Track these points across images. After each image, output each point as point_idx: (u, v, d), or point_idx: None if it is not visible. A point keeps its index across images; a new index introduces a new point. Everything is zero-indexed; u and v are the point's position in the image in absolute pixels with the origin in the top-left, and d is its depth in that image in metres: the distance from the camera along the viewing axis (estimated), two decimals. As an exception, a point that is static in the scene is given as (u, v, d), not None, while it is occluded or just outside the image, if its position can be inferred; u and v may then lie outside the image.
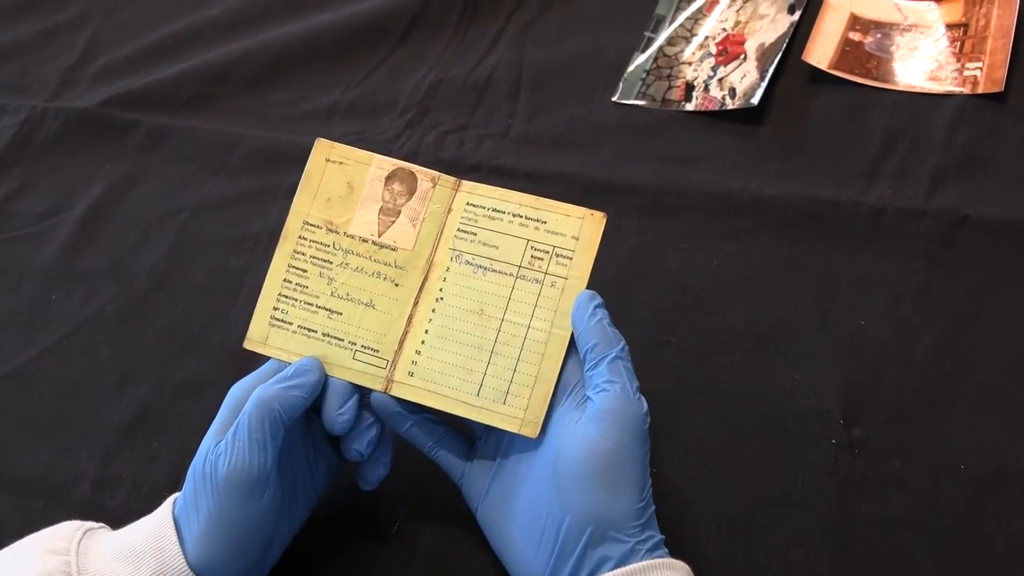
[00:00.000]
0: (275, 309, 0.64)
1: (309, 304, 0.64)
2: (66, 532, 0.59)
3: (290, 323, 0.63)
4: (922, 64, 0.85)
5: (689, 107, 0.87)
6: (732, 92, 0.86)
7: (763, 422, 0.68)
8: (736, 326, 0.73)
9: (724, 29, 0.92)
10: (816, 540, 0.62)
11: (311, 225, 0.64)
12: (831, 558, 0.62)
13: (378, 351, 0.63)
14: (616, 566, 0.54)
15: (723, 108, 0.85)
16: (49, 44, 1.09)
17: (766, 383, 0.70)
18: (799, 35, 0.89)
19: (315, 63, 0.99)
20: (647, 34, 0.94)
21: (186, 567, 0.57)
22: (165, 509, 0.60)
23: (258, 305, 0.64)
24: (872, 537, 0.62)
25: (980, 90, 0.82)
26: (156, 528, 0.59)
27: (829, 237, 0.76)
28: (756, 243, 0.77)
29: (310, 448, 0.64)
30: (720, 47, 0.90)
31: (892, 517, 0.63)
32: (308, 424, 0.64)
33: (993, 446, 0.65)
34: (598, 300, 0.60)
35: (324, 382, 0.62)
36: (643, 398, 0.57)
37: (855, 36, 0.88)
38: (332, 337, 0.63)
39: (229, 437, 0.58)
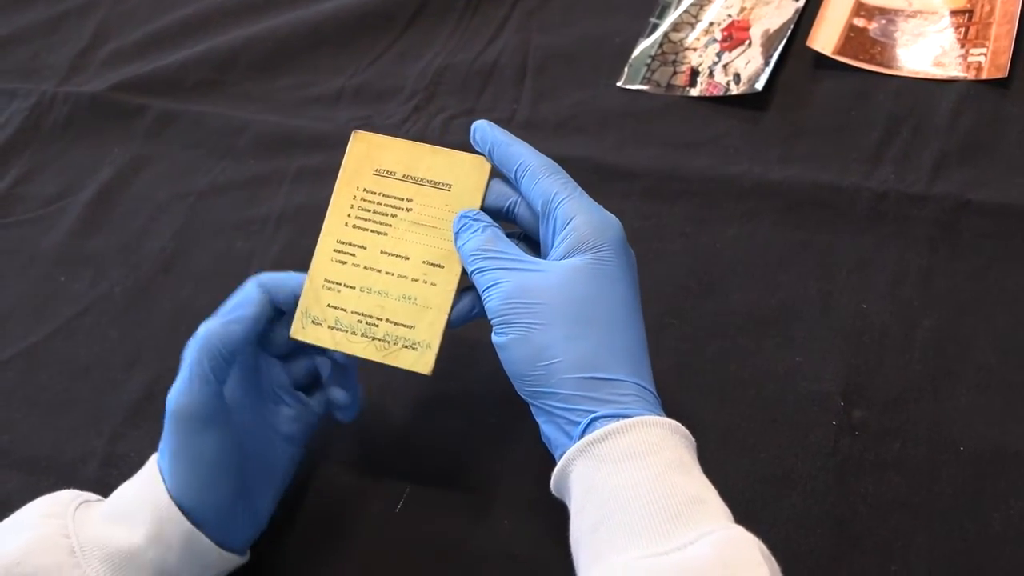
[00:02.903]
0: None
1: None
2: (63, 498, 0.61)
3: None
4: (926, 50, 0.85)
5: (693, 92, 0.87)
6: (736, 78, 0.86)
7: (764, 405, 0.68)
8: (738, 310, 0.73)
9: (729, 15, 0.92)
10: (815, 521, 0.63)
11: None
12: (830, 539, 0.62)
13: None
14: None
15: (727, 94, 0.86)
16: (59, 30, 1.10)
17: (767, 366, 0.70)
18: (804, 21, 0.90)
19: (322, 48, 1.00)
20: (652, 20, 0.94)
21: (180, 514, 0.59)
22: (151, 465, 0.62)
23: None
24: (871, 518, 0.63)
25: (984, 76, 0.82)
26: (145, 485, 0.61)
27: (831, 221, 0.76)
28: (759, 227, 0.77)
29: (272, 388, 0.66)
30: (725, 33, 0.91)
31: (891, 498, 0.63)
32: (266, 367, 0.66)
33: (992, 428, 0.65)
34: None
35: (268, 311, 0.64)
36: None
37: (860, 22, 0.88)
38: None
39: (181, 374, 0.61)
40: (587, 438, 0.54)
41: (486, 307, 0.58)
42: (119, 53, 1.05)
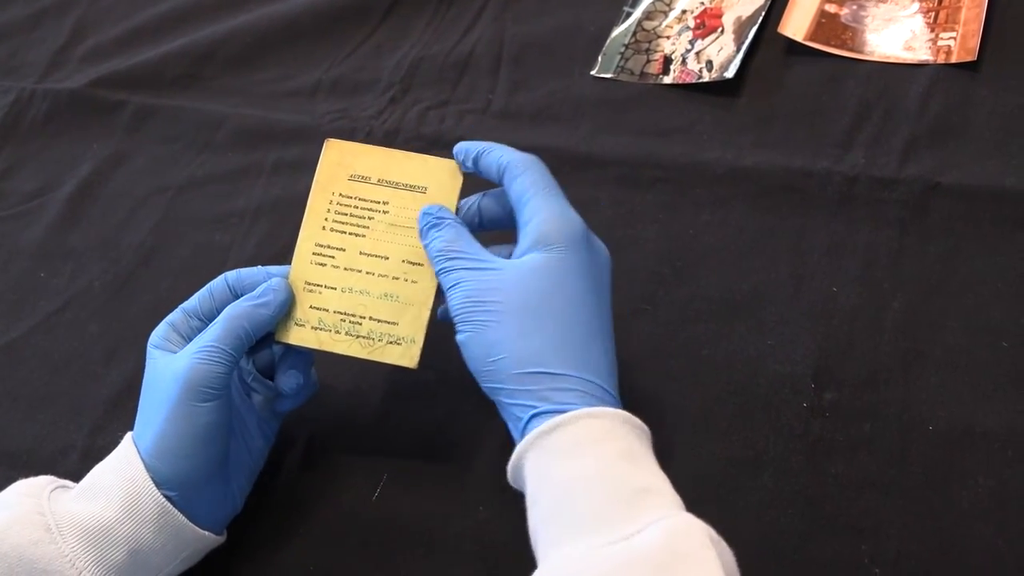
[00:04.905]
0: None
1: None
2: (40, 481, 0.62)
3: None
4: (897, 35, 0.86)
5: (667, 80, 0.88)
6: (709, 65, 0.87)
7: (736, 388, 0.69)
8: (711, 295, 0.74)
9: (702, 3, 0.92)
10: (787, 501, 0.64)
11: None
12: (801, 518, 0.63)
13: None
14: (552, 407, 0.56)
15: (700, 81, 0.86)
16: (37, 27, 1.11)
17: (739, 350, 0.71)
18: (775, 8, 0.90)
19: (298, 42, 1.00)
20: (626, 8, 0.95)
21: (154, 488, 0.60)
22: (126, 443, 0.63)
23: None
24: (842, 498, 0.63)
25: (953, 59, 0.83)
26: (120, 462, 0.62)
27: (803, 206, 0.77)
28: (731, 213, 0.78)
29: (240, 376, 0.68)
30: (698, 20, 0.91)
31: (861, 478, 0.64)
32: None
33: (960, 408, 0.66)
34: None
35: (289, 301, 0.65)
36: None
37: (831, 8, 0.89)
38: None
39: (194, 345, 0.62)
40: (537, 430, 0.55)
41: (449, 306, 0.60)
42: (97, 49, 1.05)
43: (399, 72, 0.95)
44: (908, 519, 0.62)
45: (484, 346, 0.58)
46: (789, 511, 0.63)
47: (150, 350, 0.64)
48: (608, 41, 0.92)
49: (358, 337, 0.65)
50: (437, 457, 0.70)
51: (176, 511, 0.60)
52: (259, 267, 0.67)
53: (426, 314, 0.64)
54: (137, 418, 0.64)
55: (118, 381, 0.77)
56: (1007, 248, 0.72)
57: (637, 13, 0.94)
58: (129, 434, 0.63)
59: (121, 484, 0.60)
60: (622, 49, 0.91)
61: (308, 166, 0.88)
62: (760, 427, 0.67)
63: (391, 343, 0.64)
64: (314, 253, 0.66)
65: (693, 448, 0.67)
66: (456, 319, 0.59)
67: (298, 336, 0.65)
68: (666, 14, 0.93)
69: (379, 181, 0.66)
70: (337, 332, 0.65)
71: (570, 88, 0.90)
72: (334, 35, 1.00)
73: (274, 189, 0.88)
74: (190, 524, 0.61)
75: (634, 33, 0.92)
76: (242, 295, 0.65)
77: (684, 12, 0.92)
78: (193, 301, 0.67)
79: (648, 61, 0.90)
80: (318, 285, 0.66)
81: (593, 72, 0.91)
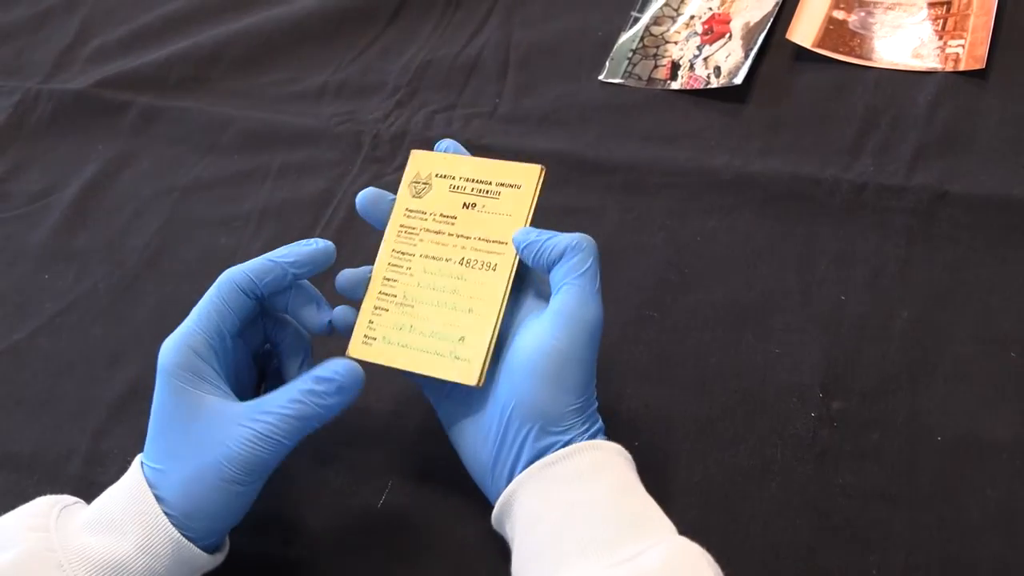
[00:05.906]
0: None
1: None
2: (42, 508, 0.59)
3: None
4: (905, 42, 0.86)
5: (674, 86, 0.88)
6: (717, 71, 0.87)
7: (743, 396, 0.69)
8: (718, 301, 0.74)
9: (710, 8, 0.92)
10: (794, 511, 0.63)
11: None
12: (809, 529, 0.63)
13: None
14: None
15: (708, 87, 0.86)
16: (43, 27, 1.11)
17: (747, 357, 0.70)
18: (784, 14, 0.90)
19: (305, 44, 1.00)
20: (634, 13, 0.95)
21: (171, 526, 0.58)
22: (135, 472, 0.60)
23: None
24: (850, 508, 0.63)
25: (962, 67, 0.82)
26: (131, 493, 0.59)
27: (811, 213, 0.77)
28: (739, 220, 0.78)
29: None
30: (706, 26, 0.91)
31: (869, 488, 0.64)
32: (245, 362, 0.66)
33: (969, 418, 0.65)
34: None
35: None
36: (600, 302, 0.60)
37: (839, 14, 0.88)
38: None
39: (253, 420, 0.59)
40: (540, 462, 0.57)
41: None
42: (103, 50, 1.05)
43: (406, 75, 0.95)
44: (916, 529, 0.62)
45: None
46: (797, 521, 0.63)
47: (171, 381, 0.60)
48: (616, 46, 0.92)
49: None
50: (442, 462, 0.69)
51: (193, 546, 0.59)
52: (264, 259, 0.64)
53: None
54: (152, 447, 0.61)
55: (122, 384, 0.77)
56: (1015, 257, 0.72)
57: (645, 18, 0.94)
58: (137, 461, 0.61)
59: (134, 519, 0.58)
60: (630, 54, 0.91)
61: (314, 169, 0.89)
62: (767, 436, 0.67)
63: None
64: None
65: (700, 456, 0.67)
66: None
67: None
68: (674, 19, 0.93)
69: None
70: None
71: (577, 93, 0.90)
72: (340, 38, 1.00)
73: (280, 192, 0.88)
74: (204, 554, 0.59)
75: (642, 38, 0.92)
76: (263, 294, 0.64)
77: (692, 18, 0.92)
78: (211, 318, 0.62)
79: (656, 67, 0.90)
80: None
81: (601, 77, 0.91)
